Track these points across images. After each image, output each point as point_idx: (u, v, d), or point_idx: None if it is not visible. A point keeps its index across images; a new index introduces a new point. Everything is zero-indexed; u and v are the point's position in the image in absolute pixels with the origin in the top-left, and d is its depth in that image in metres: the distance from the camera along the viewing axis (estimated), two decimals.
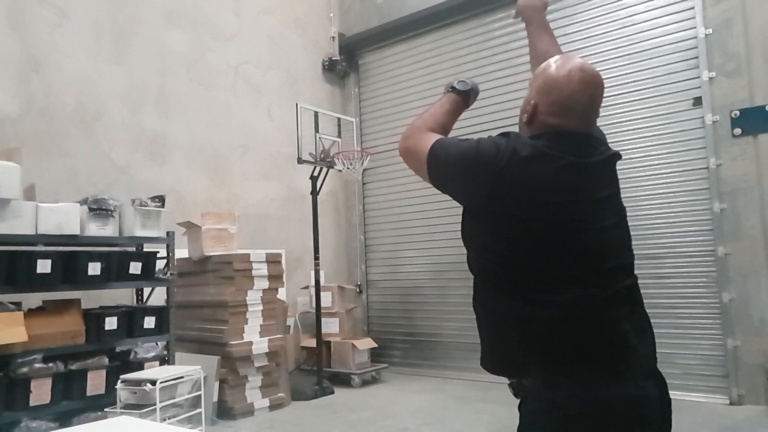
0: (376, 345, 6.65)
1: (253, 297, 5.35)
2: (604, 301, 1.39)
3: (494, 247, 1.46)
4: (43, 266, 4.04)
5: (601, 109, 1.53)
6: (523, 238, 1.40)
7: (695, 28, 5.28)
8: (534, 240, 1.39)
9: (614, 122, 5.70)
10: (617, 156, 1.55)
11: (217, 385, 5.00)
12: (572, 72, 1.43)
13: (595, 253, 1.42)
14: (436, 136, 1.57)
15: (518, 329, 1.41)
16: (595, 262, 1.41)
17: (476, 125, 6.70)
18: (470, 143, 1.49)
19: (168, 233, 4.88)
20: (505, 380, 1.54)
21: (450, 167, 1.49)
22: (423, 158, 1.54)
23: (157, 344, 4.68)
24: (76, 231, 4.23)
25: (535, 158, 1.39)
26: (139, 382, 3.94)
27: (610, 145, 1.62)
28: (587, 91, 1.44)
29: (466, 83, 1.72)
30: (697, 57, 5.27)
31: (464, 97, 1.74)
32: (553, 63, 1.48)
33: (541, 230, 1.39)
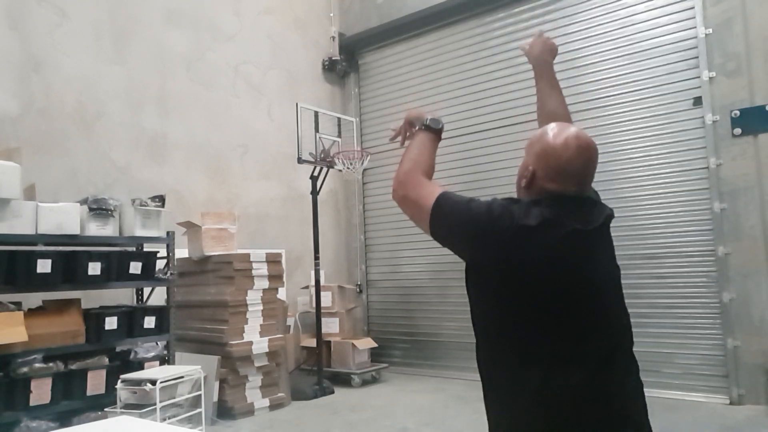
0: (376, 345, 6.66)
1: (253, 297, 5.35)
2: (607, 363, 1.43)
3: (501, 308, 1.49)
4: (43, 266, 4.04)
5: (596, 173, 1.60)
6: (529, 302, 1.43)
7: (695, 28, 5.28)
8: (540, 303, 1.43)
9: (614, 122, 5.70)
10: (611, 217, 1.61)
11: (217, 384, 5.01)
12: (569, 140, 1.50)
13: (598, 314, 1.47)
14: (438, 188, 1.58)
15: (522, 394, 1.43)
16: (599, 323, 1.46)
17: (476, 125, 6.73)
18: (480, 205, 1.50)
19: (168, 233, 4.88)
20: None
21: (458, 226, 1.50)
22: (426, 210, 1.54)
23: (157, 344, 4.68)
24: (76, 231, 4.23)
25: (543, 226, 1.43)
26: (139, 382, 3.95)
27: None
28: (583, 157, 1.51)
29: (437, 121, 1.77)
30: (697, 57, 5.27)
31: (438, 134, 1.79)
32: (550, 131, 1.55)
33: (548, 294, 1.43)
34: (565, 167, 1.50)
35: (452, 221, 1.51)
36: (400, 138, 1.88)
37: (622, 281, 1.62)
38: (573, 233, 1.45)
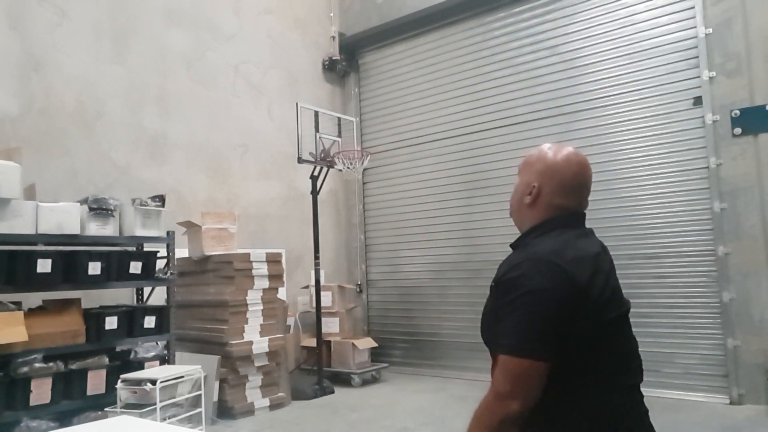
0: (376, 344, 6.66)
1: (253, 296, 5.35)
2: (633, 386, 1.52)
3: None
4: (44, 266, 4.04)
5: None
6: (582, 343, 1.43)
7: (695, 27, 5.28)
8: (592, 341, 1.44)
9: (614, 122, 5.70)
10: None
11: (217, 384, 5.01)
12: (569, 156, 1.60)
13: (625, 345, 1.52)
14: (507, 364, 1.40)
15: (572, 413, 1.43)
16: (630, 347, 1.52)
17: (476, 124, 6.73)
18: (525, 304, 1.40)
19: (168, 233, 4.88)
20: None
21: (544, 333, 1.39)
22: (526, 366, 1.38)
23: (157, 344, 4.68)
24: (77, 231, 4.23)
25: (584, 269, 1.44)
26: (139, 382, 3.95)
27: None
28: (584, 173, 1.61)
29: None
30: (697, 57, 5.27)
31: None
32: (548, 150, 1.62)
33: (597, 332, 1.44)
34: (571, 182, 1.58)
35: (538, 337, 1.39)
36: None
37: (623, 281, 1.63)
38: (607, 271, 1.50)
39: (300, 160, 5.98)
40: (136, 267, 4.63)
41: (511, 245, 1.67)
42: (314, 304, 6.24)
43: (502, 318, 1.43)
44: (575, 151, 1.62)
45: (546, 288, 1.39)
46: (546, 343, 1.38)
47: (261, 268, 5.43)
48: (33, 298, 4.36)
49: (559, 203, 1.58)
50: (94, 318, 4.36)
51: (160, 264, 4.88)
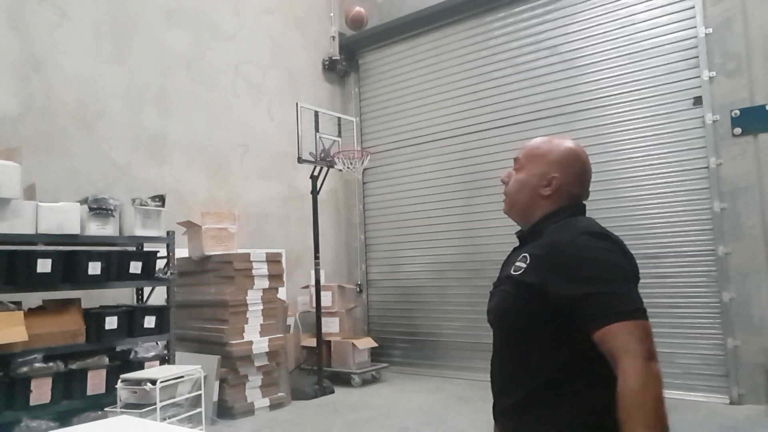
0: (376, 344, 6.66)
1: (254, 296, 5.35)
2: None
3: None
4: (43, 266, 4.04)
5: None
6: None
7: (695, 27, 5.28)
8: None
9: (614, 122, 5.70)
10: None
11: (217, 384, 5.01)
12: (577, 146, 1.62)
13: None
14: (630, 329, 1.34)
15: (601, 394, 1.42)
16: None
17: (476, 124, 6.73)
18: (608, 271, 1.39)
19: (168, 233, 4.88)
20: None
21: (637, 292, 1.41)
22: (647, 330, 1.36)
23: (157, 344, 4.68)
24: (77, 230, 4.23)
25: (622, 245, 1.50)
26: (139, 382, 3.95)
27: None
28: (589, 162, 1.64)
29: None
30: (697, 56, 5.27)
31: None
32: (554, 141, 1.62)
33: None
34: (584, 172, 1.61)
35: (632, 288, 1.41)
36: None
37: None
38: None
39: (300, 160, 5.98)
40: (136, 267, 4.63)
41: (520, 235, 1.63)
42: (314, 304, 6.24)
43: (583, 294, 1.36)
44: (576, 142, 1.64)
45: (616, 250, 1.44)
46: (642, 302, 1.40)
47: (261, 268, 5.43)
48: (33, 298, 4.36)
49: (575, 192, 1.59)
50: (94, 318, 4.36)
51: (160, 264, 4.88)
